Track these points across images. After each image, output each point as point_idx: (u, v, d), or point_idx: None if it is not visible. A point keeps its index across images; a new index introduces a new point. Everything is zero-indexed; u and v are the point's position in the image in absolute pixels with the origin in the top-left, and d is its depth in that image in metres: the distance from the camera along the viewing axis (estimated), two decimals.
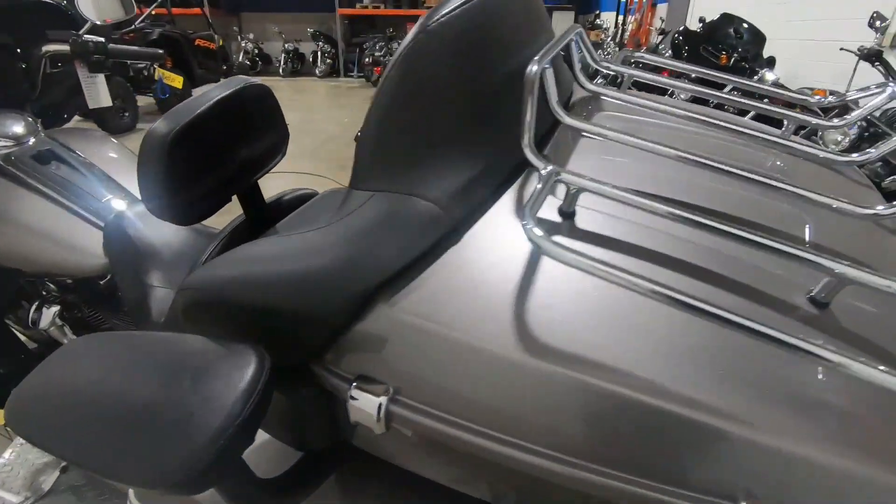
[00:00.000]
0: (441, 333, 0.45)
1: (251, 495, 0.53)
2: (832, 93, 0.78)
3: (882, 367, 0.35)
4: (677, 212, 0.45)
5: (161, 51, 1.34)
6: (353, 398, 0.47)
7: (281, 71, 8.68)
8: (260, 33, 8.89)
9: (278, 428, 0.62)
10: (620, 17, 6.71)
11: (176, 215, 0.66)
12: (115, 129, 4.52)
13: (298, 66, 8.95)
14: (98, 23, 1.18)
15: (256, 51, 8.71)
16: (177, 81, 5.11)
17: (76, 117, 1.44)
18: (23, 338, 1.24)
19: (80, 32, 1.14)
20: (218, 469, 0.41)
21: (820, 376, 0.40)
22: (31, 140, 1.09)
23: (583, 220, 0.54)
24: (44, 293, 1.10)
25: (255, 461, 0.53)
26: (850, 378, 0.36)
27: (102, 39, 1.16)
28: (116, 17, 1.24)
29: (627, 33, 6.55)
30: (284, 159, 0.84)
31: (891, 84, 0.63)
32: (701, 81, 0.85)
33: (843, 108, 1.98)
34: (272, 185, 0.83)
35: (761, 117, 1.79)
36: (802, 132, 2.37)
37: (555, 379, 0.41)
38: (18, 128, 1.09)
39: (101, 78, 1.23)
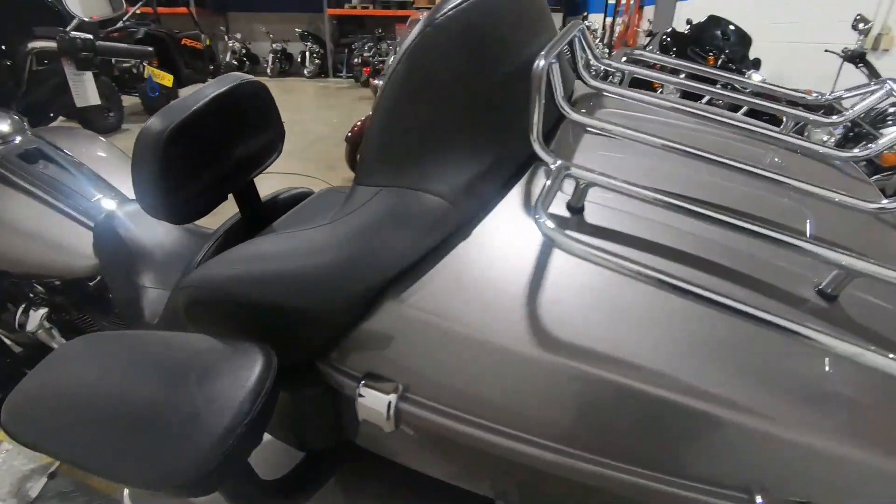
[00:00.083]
0: (451, 329, 0.45)
1: (253, 496, 0.52)
2: (818, 94, 0.78)
3: (893, 356, 0.35)
4: (689, 206, 0.45)
5: (151, 48, 1.32)
6: (361, 396, 0.46)
7: (269, 71, 8.61)
8: (247, 33, 8.81)
9: (280, 428, 0.60)
10: (608, 19, 6.77)
11: (171, 214, 0.65)
12: (100, 130, 4.37)
13: (287, 66, 8.90)
14: (85, 19, 1.16)
15: (244, 51, 8.63)
16: (167, 80, 5.03)
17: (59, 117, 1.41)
18: (7, 341, 1.21)
19: (68, 29, 1.12)
20: (225, 470, 0.40)
21: (832, 368, 0.40)
22: (18, 138, 1.06)
23: (592, 215, 0.53)
24: (31, 295, 1.07)
25: (255, 461, 0.51)
26: (863, 369, 0.36)
27: (90, 36, 1.14)
28: (104, 14, 1.23)
29: (616, 35, 6.62)
30: None
31: (889, 81, 0.64)
32: (701, 80, 0.86)
33: (829, 109, 2.01)
34: (261, 186, 0.82)
35: (754, 114, 1.81)
36: (793, 130, 2.40)
37: (568, 374, 0.41)
38: (4, 126, 1.06)
39: (88, 76, 1.20)
